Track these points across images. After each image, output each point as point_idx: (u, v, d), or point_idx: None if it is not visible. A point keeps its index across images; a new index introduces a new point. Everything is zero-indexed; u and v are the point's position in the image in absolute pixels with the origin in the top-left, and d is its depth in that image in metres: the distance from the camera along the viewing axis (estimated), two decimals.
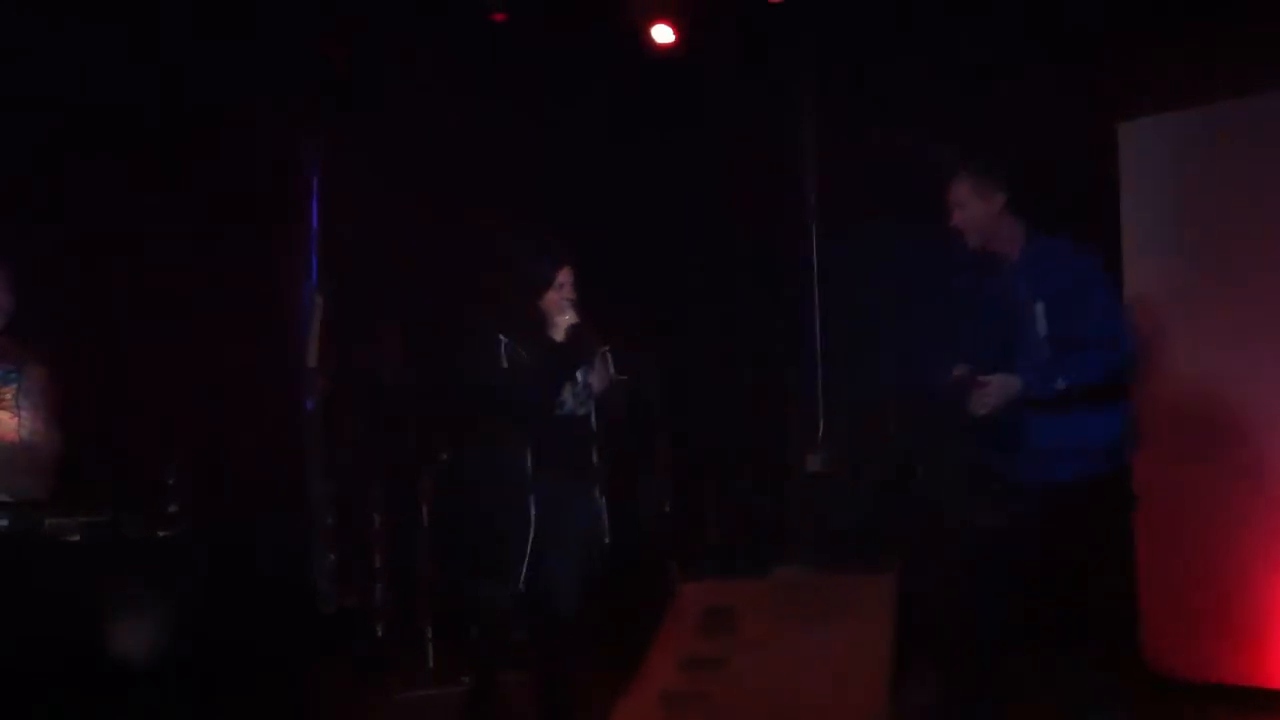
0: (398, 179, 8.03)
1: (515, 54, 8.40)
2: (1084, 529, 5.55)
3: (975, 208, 5.77)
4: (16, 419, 6.04)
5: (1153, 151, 7.08)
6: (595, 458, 6.24)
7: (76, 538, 5.82)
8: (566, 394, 6.20)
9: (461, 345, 6.48)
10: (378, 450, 7.96)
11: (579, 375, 6.20)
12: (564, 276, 6.27)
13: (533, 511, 6.08)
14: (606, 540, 6.20)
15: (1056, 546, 5.53)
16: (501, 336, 6.19)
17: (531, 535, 6.06)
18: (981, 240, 5.77)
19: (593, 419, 6.25)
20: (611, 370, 6.27)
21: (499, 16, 8.30)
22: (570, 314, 6.22)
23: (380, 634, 7.91)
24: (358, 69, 8.08)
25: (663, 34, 8.29)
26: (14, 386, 6.07)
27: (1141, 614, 7.11)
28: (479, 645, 6.51)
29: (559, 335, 6.22)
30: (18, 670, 5.31)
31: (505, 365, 6.15)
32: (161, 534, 6.14)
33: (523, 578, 6.04)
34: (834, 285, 8.49)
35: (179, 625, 6.07)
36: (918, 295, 7.89)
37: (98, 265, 7.46)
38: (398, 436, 7.96)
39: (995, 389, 5.55)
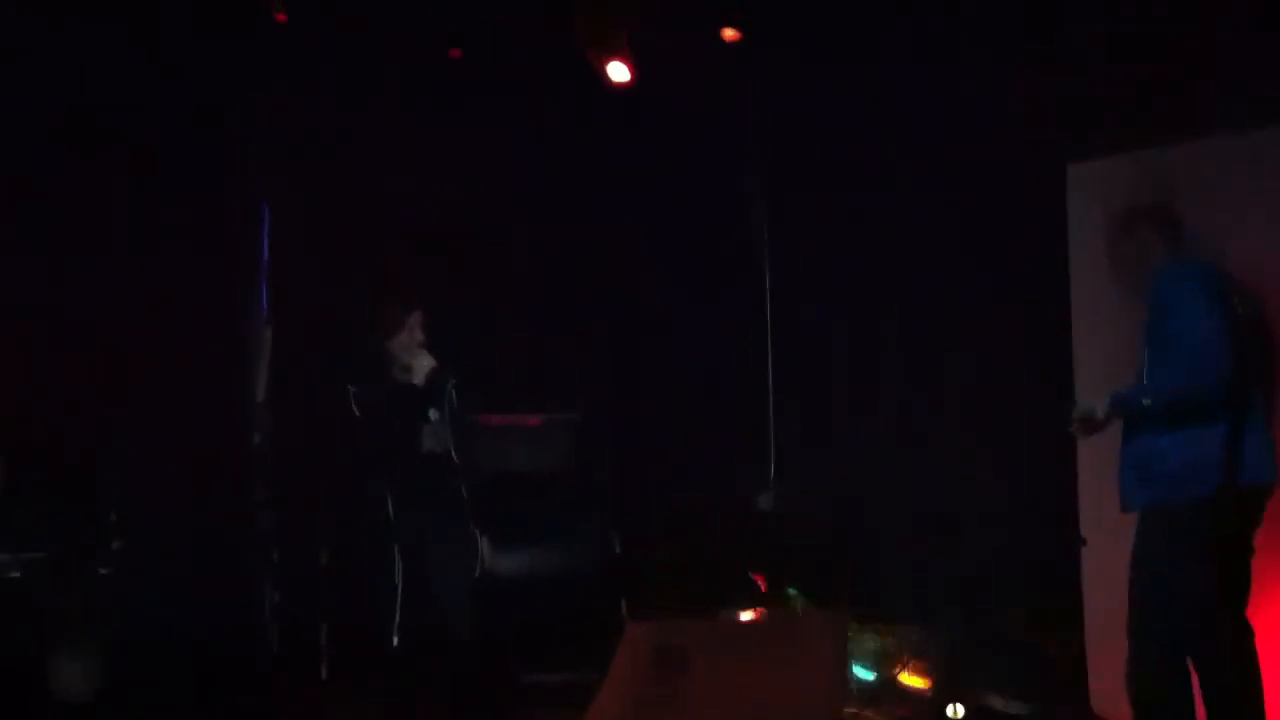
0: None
1: (469, 90, 8.42)
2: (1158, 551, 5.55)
3: (1121, 251, 5.87)
4: None
5: (1101, 193, 7.08)
6: (464, 492, 6.18)
7: (17, 574, 5.80)
8: (425, 433, 6.16)
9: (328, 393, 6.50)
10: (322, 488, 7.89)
11: (432, 414, 6.17)
12: (415, 319, 6.27)
13: (398, 560, 6.06)
14: (477, 574, 6.13)
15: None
16: (350, 386, 6.19)
17: (400, 584, 6.04)
18: (1139, 280, 5.76)
19: (454, 454, 6.21)
20: (453, 402, 6.25)
21: (455, 53, 8.30)
22: (426, 356, 6.22)
23: (324, 675, 7.83)
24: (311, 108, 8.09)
25: (619, 72, 8.21)
26: None
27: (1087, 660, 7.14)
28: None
29: (414, 378, 6.22)
30: None
31: (356, 412, 6.16)
32: (103, 571, 6.14)
33: (396, 626, 6.00)
34: (787, 321, 8.51)
35: (123, 663, 6.03)
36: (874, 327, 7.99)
37: (45, 296, 7.44)
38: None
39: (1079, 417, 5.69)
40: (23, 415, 6.89)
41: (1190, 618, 5.59)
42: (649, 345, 9.02)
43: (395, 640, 6.09)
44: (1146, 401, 5.52)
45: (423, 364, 6.28)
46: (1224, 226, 6.51)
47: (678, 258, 8.96)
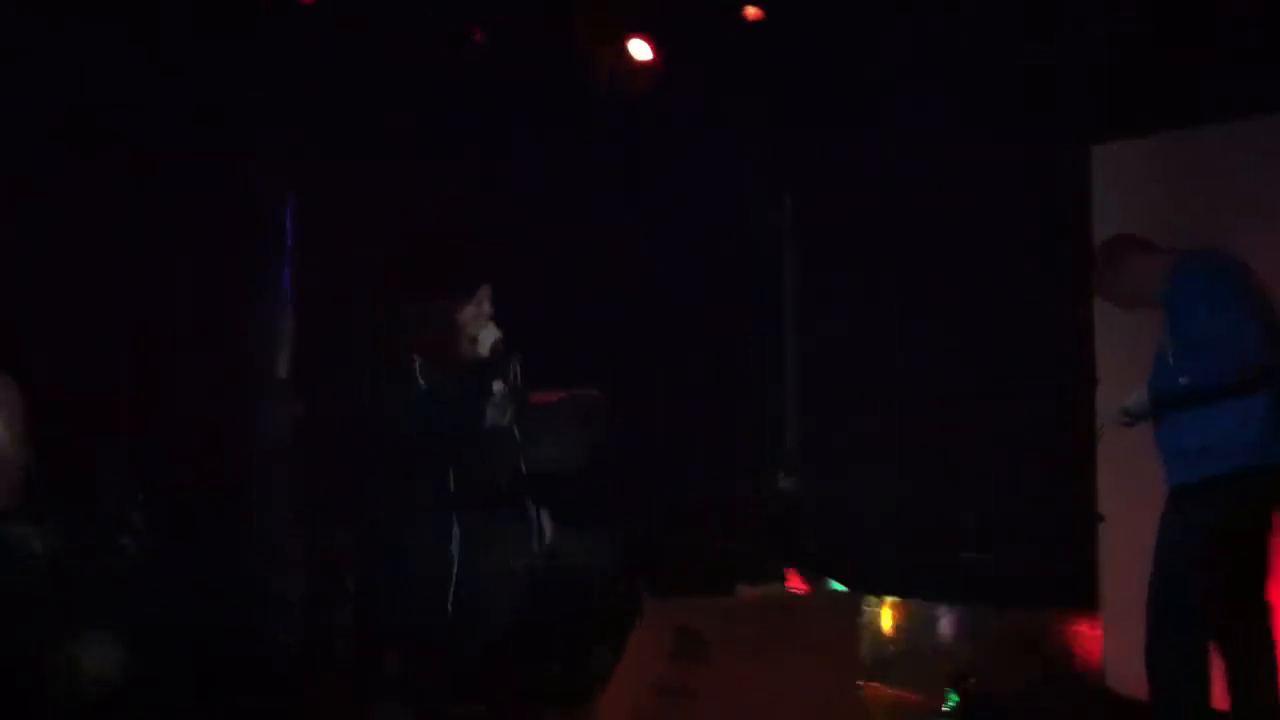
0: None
1: (493, 79, 8.43)
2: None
3: (1114, 290, 5.96)
4: None
5: (1125, 174, 7.12)
6: (524, 468, 6.17)
7: (40, 548, 5.76)
8: (489, 407, 6.16)
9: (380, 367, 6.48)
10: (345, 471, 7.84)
11: (496, 385, 6.17)
12: (483, 292, 6.28)
13: (456, 534, 6.03)
14: (537, 550, 6.11)
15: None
16: (416, 356, 6.17)
17: (457, 559, 6.01)
18: (1141, 301, 5.86)
19: (515, 430, 6.20)
20: (517, 376, 6.25)
21: (477, 35, 8.31)
22: (492, 329, 6.23)
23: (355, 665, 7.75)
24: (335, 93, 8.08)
25: (640, 50, 8.21)
26: None
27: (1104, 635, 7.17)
28: (414, 677, 6.41)
29: (481, 350, 6.21)
30: None
31: (423, 385, 6.14)
32: (127, 547, 6.10)
33: (450, 602, 5.97)
34: (807, 302, 8.52)
35: (140, 647, 5.98)
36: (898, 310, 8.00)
37: (67, 281, 7.41)
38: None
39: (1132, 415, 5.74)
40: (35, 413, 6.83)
41: (1202, 611, 5.60)
42: (649, 345, 9.00)
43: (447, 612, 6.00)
44: (1184, 380, 5.51)
45: (489, 336, 6.27)
46: (1247, 209, 6.60)
47: (678, 258, 8.92)
